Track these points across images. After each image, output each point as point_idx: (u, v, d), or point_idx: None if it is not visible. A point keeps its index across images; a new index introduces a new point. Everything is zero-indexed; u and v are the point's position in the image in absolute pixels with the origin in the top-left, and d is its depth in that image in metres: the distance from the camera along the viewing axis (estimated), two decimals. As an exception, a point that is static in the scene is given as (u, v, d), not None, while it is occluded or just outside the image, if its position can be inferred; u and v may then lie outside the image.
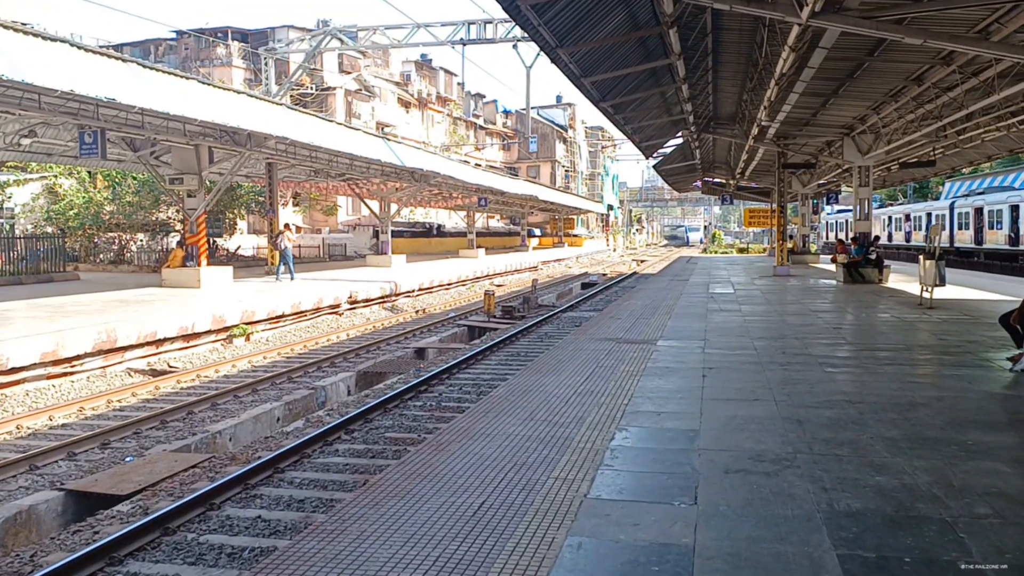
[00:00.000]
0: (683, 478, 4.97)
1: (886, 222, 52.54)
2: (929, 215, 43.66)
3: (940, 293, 15.43)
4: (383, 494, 4.81)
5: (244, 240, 39.02)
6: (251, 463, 7.77)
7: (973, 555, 3.75)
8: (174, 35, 50.02)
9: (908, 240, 47.83)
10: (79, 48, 13.06)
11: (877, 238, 22.77)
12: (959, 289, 18.26)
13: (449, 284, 29.80)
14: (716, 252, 64.99)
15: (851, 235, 22.23)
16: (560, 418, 6.59)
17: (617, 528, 4.17)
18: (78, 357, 12.56)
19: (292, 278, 23.75)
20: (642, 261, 55.87)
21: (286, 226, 25.52)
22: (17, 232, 28.01)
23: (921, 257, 15.84)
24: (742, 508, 4.41)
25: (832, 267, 24.53)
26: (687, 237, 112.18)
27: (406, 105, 58.60)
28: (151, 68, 14.87)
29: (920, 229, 44.90)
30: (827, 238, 67.46)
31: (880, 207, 55.89)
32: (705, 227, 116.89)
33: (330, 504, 6.70)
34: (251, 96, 18.87)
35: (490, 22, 31.18)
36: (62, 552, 5.89)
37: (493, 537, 4.09)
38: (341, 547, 4.02)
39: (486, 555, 3.87)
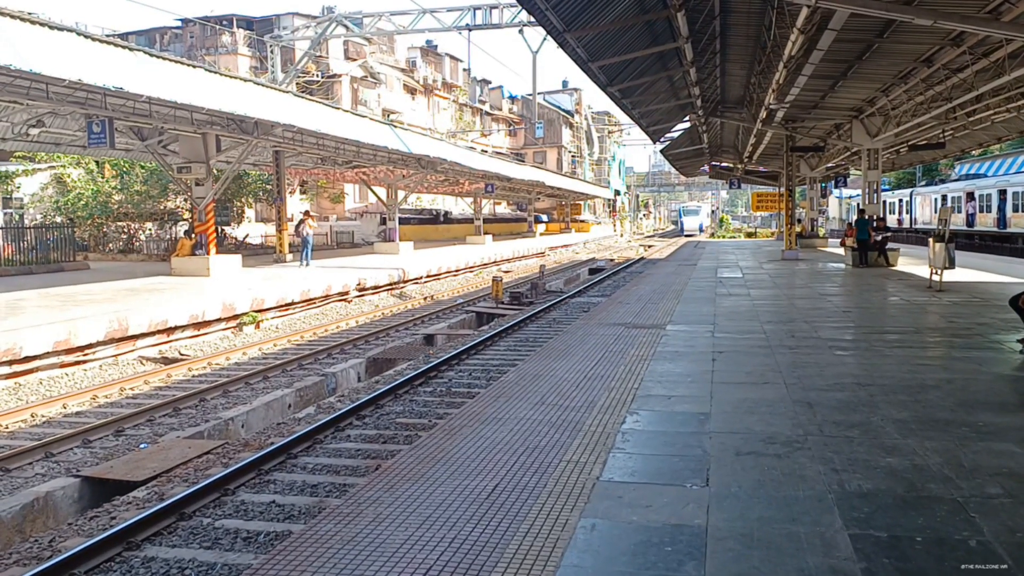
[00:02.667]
0: (694, 460, 5.00)
1: (938, 202, 42.39)
2: (1003, 192, 34.98)
3: (949, 276, 15.39)
4: (397, 478, 4.86)
5: (252, 228, 39.12)
6: (264, 449, 7.83)
7: (984, 534, 3.77)
8: (179, 23, 49.99)
9: (971, 223, 37.87)
10: (86, 37, 13.08)
11: (883, 220, 22.58)
12: (969, 272, 18.20)
13: (457, 270, 29.83)
14: (724, 237, 64.88)
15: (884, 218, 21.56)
16: (571, 402, 6.63)
17: (630, 510, 4.21)
18: (90, 346, 12.66)
19: (302, 265, 23.87)
20: (649, 246, 55.75)
21: (306, 214, 25.68)
22: (27, 222, 28.15)
23: (931, 240, 15.80)
24: (754, 489, 4.44)
25: (841, 251, 24.47)
26: (681, 223, 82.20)
27: (412, 92, 58.47)
28: (158, 57, 14.89)
29: (988, 210, 36.15)
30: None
31: (928, 184, 47.64)
32: (713, 211, 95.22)
33: (343, 489, 6.76)
34: (258, 84, 18.88)
35: (496, 7, 31.04)
36: (80, 537, 5.97)
37: (507, 519, 4.13)
38: (358, 529, 4.06)
39: (501, 536, 3.92)
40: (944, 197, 41.42)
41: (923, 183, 50.26)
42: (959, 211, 38.84)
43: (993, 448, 5.10)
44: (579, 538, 3.87)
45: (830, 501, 4.23)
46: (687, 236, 71.01)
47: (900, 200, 50.20)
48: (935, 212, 40.66)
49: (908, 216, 48.35)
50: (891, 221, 49.98)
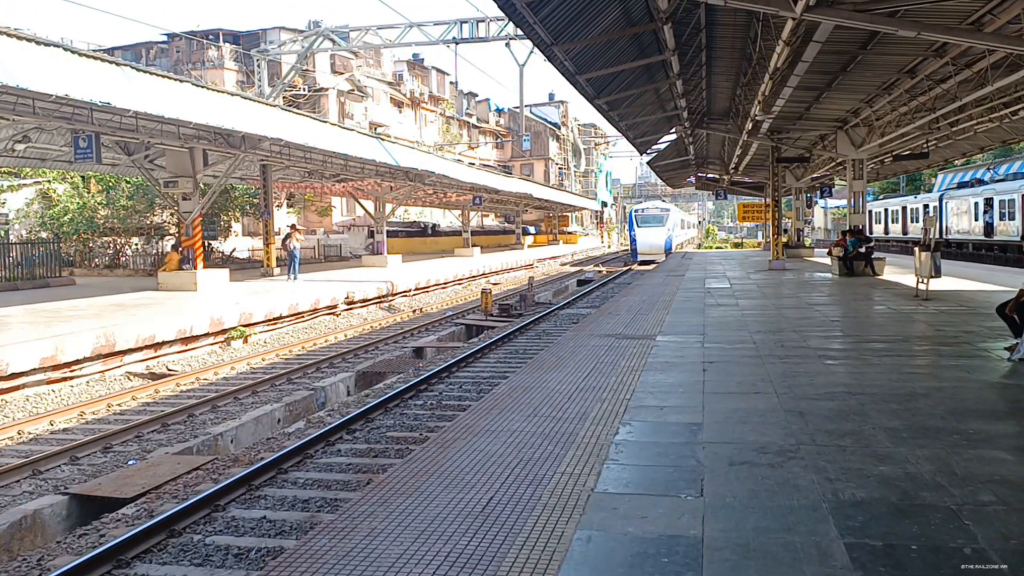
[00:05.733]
0: (688, 471, 4.99)
1: (979, 207, 34.34)
2: None
3: (935, 284, 15.50)
4: (391, 492, 4.83)
5: (239, 242, 38.99)
6: (254, 464, 7.78)
7: (979, 541, 3.78)
8: (165, 38, 49.91)
9: None
10: (73, 52, 13.04)
11: (861, 231, 22.65)
12: (954, 280, 18.34)
13: (445, 283, 29.80)
14: (711, 247, 65.22)
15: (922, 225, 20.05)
16: (563, 414, 6.62)
17: (625, 521, 4.20)
18: (77, 362, 12.55)
19: (289, 279, 23.82)
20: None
21: (293, 227, 25.69)
22: (12, 238, 27.93)
23: (916, 249, 15.92)
24: (748, 499, 4.44)
25: (827, 260, 24.63)
26: (633, 239, 46.37)
27: (399, 105, 58.55)
28: (144, 71, 14.86)
29: None
30: (869, 231, 44.71)
31: (963, 186, 39.15)
32: (699, 222, 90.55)
33: (336, 504, 6.72)
34: (245, 98, 18.86)
35: (483, 21, 31.15)
36: (69, 555, 5.90)
37: (503, 532, 4.12)
38: (352, 544, 4.03)
39: (496, 549, 3.90)
40: (989, 201, 33.61)
41: (953, 186, 41.63)
42: (1011, 218, 31.51)
43: (984, 455, 5.12)
44: (575, 550, 3.86)
45: (825, 510, 4.24)
46: (642, 264, 41.16)
47: (925, 206, 42.00)
48: (975, 219, 35.13)
49: (937, 224, 38.81)
50: (914, 231, 43.60)
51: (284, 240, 25.46)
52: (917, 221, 42.96)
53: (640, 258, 42.28)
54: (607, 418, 6.41)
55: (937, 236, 37.65)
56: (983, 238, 34.10)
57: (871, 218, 51.06)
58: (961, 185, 39.98)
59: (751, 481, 4.74)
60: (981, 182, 37.07)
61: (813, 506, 4.30)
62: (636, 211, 46.41)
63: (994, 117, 19.72)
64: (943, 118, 19.53)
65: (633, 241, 44.21)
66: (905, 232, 45.16)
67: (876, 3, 10.36)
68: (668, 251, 42.76)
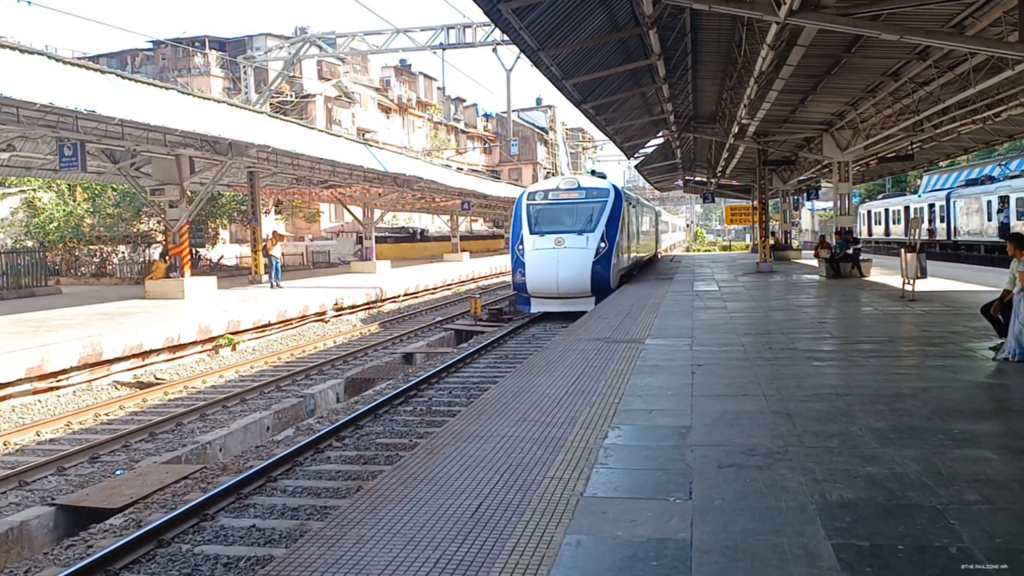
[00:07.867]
0: (677, 474, 5.01)
1: (992, 206, 31.49)
2: None
3: (921, 285, 15.60)
4: (380, 499, 4.82)
5: (227, 249, 38.87)
6: (243, 473, 7.75)
7: (964, 540, 3.81)
8: (151, 45, 49.75)
9: None
10: (57, 60, 12.99)
11: (849, 232, 22.74)
12: (940, 281, 18.46)
13: (435, 288, 29.78)
14: (699, 251, 65.46)
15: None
16: (553, 418, 6.62)
17: (614, 525, 4.21)
18: (64, 371, 12.46)
19: (273, 286, 23.72)
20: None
21: (274, 233, 25.68)
22: (-3, 247, 27.75)
23: (903, 250, 16.03)
24: (736, 502, 4.46)
25: (814, 262, 24.75)
26: (517, 258, 19.37)
27: (386, 111, 58.55)
28: (130, 79, 14.81)
29: None
30: (869, 233, 48.75)
31: (972, 184, 35.93)
32: (687, 224, 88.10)
33: (325, 511, 6.70)
34: (232, 105, 18.83)
35: (469, 26, 31.16)
36: (56, 567, 5.86)
37: (492, 538, 4.12)
38: (341, 552, 4.03)
39: (486, 555, 3.90)
40: (1004, 199, 30.23)
41: (962, 184, 37.77)
42: None
43: (969, 455, 5.16)
44: (564, 555, 3.86)
45: (812, 511, 4.26)
46: (535, 311, 19.57)
47: (931, 205, 39.29)
48: (987, 219, 31.73)
49: (944, 225, 36.96)
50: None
51: (263, 247, 25.41)
52: (922, 222, 39.16)
53: (534, 308, 19.78)
54: (596, 422, 6.42)
55: (945, 237, 36.14)
56: (997, 239, 30.14)
57: (870, 219, 49.46)
58: (970, 183, 36.58)
59: (739, 483, 4.76)
60: (992, 179, 34.02)
61: (801, 507, 4.32)
62: (530, 196, 21.02)
63: (977, 119, 19.87)
64: (927, 120, 19.66)
65: (518, 264, 19.67)
66: (907, 234, 39.65)
67: (859, 7, 10.44)
68: (606, 285, 19.63)
